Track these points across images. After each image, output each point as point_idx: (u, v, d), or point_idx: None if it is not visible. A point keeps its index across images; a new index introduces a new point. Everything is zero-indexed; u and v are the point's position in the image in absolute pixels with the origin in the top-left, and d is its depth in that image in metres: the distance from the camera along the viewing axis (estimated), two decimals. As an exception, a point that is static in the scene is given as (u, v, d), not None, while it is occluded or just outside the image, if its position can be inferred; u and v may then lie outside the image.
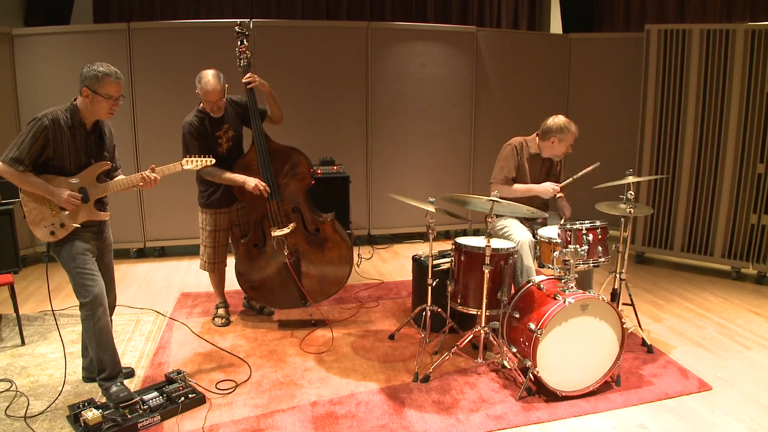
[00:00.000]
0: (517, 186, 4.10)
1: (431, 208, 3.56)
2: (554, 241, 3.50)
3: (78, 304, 3.08)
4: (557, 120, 4.04)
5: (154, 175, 3.19)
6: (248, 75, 3.92)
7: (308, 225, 4.12)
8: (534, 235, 3.88)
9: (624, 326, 3.27)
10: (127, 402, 2.99)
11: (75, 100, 3.04)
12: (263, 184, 3.91)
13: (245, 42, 3.99)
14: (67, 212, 3.04)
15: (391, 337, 4.04)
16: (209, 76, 3.78)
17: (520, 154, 4.14)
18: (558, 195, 4.15)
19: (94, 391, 3.27)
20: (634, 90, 6.00)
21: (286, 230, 4.01)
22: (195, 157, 3.32)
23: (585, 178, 3.96)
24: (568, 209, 4.14)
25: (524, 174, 4.15)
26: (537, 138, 4.15)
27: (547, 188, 4.07)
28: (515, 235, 3.87)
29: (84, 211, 3.09)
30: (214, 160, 3.41)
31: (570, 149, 4.10)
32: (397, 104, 6.37)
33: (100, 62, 2.99)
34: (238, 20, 4.11)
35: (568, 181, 4.09)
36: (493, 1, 8.24)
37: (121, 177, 3.27)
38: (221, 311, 4.33)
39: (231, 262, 4.25)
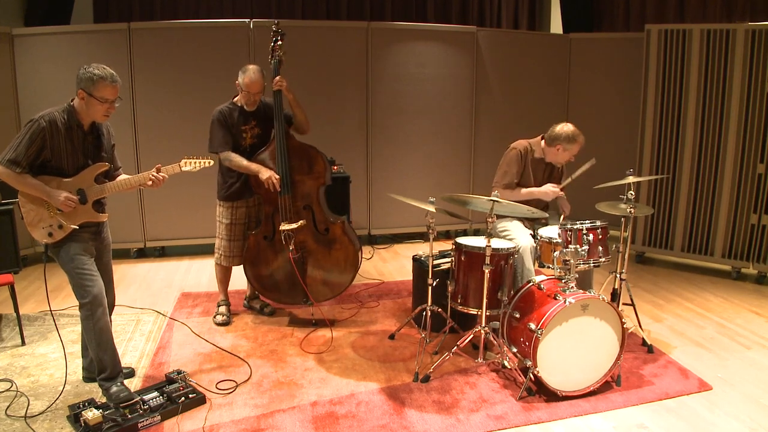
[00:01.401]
0: (520, 190, 4.08)
1: (431, 208, 3.56)
2: (554, 241, 3.51)
3: (77, 304, 3.08)
4: (566, 129, 4.00)
5: (163, 174, 3.19)
6: (277, 79, 4.01)
7: (318, 224, 4.14)
8: (534, 235, 3.87)
9: (624, 326, 3.27)
10: (128, 402, 2.99)
11: (72, 100, 3.03)
12: (277, 177, 3.93)
13: (279, 41, 4.09)
14: (65, 213, 3.03)
15: (392, 337, 4.04)
16: (253, 68, 3.95)
17: (524, 159, 4.11)
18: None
19: (94, 391, 3.27)
20: (635, 90, 6.00)
21: (294, 225, 4.03)
22: (194, 158, 3.31)
23: (584, 177, 3.96)
24: (567, 207, 4.14)
25: (528, 179, 4.12)
26: (543, 142, 4.13)
27: (548, 190, 4.07)
28: (517, 239, 3.84)
29: (82, 212, 3.09)
30: (212, 162, 3.40)
31: (573, 158, 4.09)
32: (397, 104, 6.37)
33: (97, 64, 2.98)
34: (273, 20, 4.23)
35: (567, 181, 4.09)
36: (493, 1, 8.24)
37: (124, 177, 3.26)
38: (223, 309, 4.33)
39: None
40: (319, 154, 4.11)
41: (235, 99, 4.09)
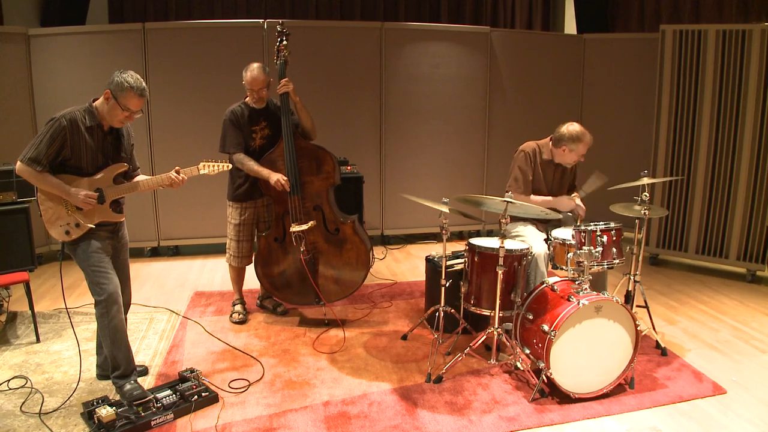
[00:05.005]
0: (534, 197, 4.04)
1: (445, 209, 3.56)
2: (568, 242, 3.49)
3: (93, 302, 3.11)
4: (571, 129, 3.93)
5: (182, 176, 3.22)
6: (283, 82, 4.01)
7: (329, 224, 4.15)
8: (548, 236, 3.85)
9: (638, 328, 3.25)
10: (141, 400, 3.01)
11: (94, 100, 3.06)
12: (285, 178, 3.95)
13: (285, 41, 4.10)
14: (82, 212, 3.06)
15: (404, 337, 4.04)
16: (255, 66, 4.00)
17: (533, 161, 4.07)
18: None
19: (108, 388, 3.29)
20: (649, 91, 5.96)
21: (304, 227, 4.04)
22: (212, 162, 3.33)
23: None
24: (582, 210, 4.10)
25: (539, 181, 4.09)
26: (550, 143, 4.09)
27: (563, 201, 4.04)
28: (530, 244, 3.81)
29: (99, 211, 3.12)
30: (230, 166, 3.42)
31: (582, 158, 4.04)
32: (411, 104, 6.37)
33: (133, 73, 3.04)
34: (278, 20, 4.30)
35: (581, 196, 4.04)
36: (507, 1, 8.23)
37: (143, 177, 3.29)
38: (238, 307, 4.36)
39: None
40: (327, 153, 4.12)
41: (247, 99, 4.12)
